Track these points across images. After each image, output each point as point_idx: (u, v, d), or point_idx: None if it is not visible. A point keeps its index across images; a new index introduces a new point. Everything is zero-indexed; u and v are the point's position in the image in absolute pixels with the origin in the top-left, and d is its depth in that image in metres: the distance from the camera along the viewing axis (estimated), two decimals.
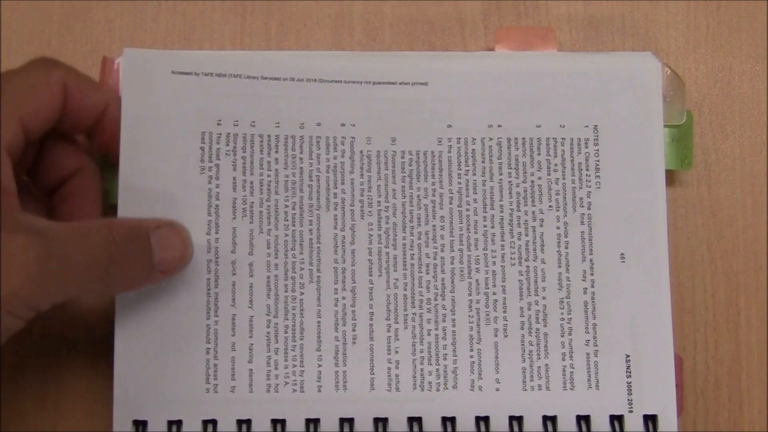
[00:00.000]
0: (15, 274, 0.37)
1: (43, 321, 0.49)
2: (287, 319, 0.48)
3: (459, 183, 0.48)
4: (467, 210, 0.48)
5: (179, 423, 0.47)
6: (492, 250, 0.48)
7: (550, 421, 0.47)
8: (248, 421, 0.47)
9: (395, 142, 0.48)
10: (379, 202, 0.48)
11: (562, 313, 0.48)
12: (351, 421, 0.47)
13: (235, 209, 0.48)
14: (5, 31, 0.52)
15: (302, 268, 0.48)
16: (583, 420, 0.47)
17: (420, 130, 0.49)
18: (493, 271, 0.48)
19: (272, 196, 0.48)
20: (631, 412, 0.47)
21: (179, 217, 0.47)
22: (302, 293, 0.48)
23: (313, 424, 0.47)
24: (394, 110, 0.49)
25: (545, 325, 0.48)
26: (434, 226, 0.48)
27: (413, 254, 0.48)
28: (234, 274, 0.48)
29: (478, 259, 0.48)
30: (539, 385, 0.48)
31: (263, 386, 0.47)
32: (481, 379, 0.48)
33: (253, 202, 0.48)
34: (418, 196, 0.48)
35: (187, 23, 0.52)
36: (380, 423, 0.47)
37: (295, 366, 0.47)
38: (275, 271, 0.48)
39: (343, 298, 0.48)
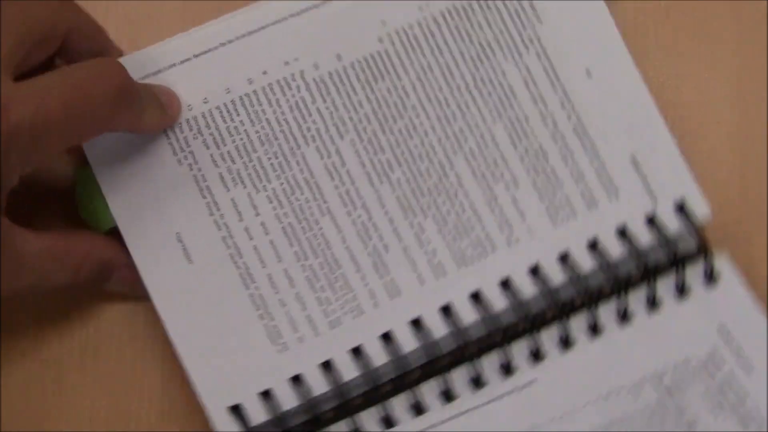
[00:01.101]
0: None
1: (95, 335, 0.49)
2: (318, 257, 0.48)
3: (414, 70, 0.49)
4: (432, 90, 0.49)
5: (269, 392, 0.47)
6: (471, 116, 0.49)
7: (593, 246, 0.49)
8: (329, 362, 0.47)
9: (341, 58, 0.49)
10: (350, 117, 0.49)
11: (558, 146, 0.49)
12: (419, 320, 0.48)
13: (224, 182, 0.48)
14: None
15: (310, 207, 0.48)
16: (622, 233, 0.49)
17: (358, 37, 0.49)
18: (481, 134, 0.49)
19: (252, 155, 0.48)
20: (657, 207, 0.49)
21: (177, 211, 0.48)
22: (320, 228, 0.48)
23: (386, 338, 0.47)
24: (327, 29, 0.49)
25: (547, 162, 0.49)
26: (409, 117, 0.49)
27: (402, 151, 0.49)
28: (251, 239, 0.48)
29: (461, 130, 0.49)
30: (566, 217, 0.49)
31: (326, 325, 0.48)
32: (513, 233, 0.49)
33: (238, 169, 0.48)
34: (383, 96, 0.49)
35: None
36: (446, 311, 0.48)
37: (345, 294, 0.48)
38: (286, 219, 0.48)
39: (359, 216, 0.48)
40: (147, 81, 0.48)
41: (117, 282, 0.48)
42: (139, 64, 0.48)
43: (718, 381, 0.48)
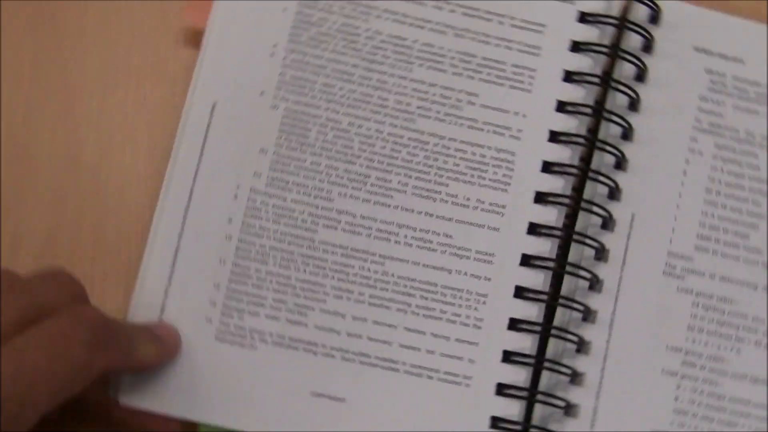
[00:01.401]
0: None
1: None
2: (415, 295, 0.48)
3: (320, 99, 0.49)
4: (347, 100, 0.49)
5: (496, 418, 0.48)
6: (392, 85, 0.49)
7: (569, 78, 0.50)
8: (506, 352, 0.48)
9: (265, 151, 0.48)
10: (320, 179, 0.48)
11: (469, 38, 0.50)
12: (527, 256, 0.49)
13: (297, 322, 0.48)
14: (5, 31, 0.52)
15: (369, 269, 0.48)
16: (575, 47, 0.50)
17: (258, 128, 0.49)
18: (413, 89, 0.49)
19: (292, 281, 0.48)
20: (576, 4, 0.51)
21: (294, 378, 0.48)
22: (392, 275, 0.48)
23: (520, 292, 0.48)
24: (232, 151, 0.49)
25: (476, 56, 0.50)
26: (355, 133, 0.49)
27: (379, 160, 0.49)
28: (361, 337, 0.48)
29: (397, 101, 0.49)
30: (529, 78, 0.50)
31: (474, 332, 0.48)
32: (511, 130, 0.49)
33: (294, 302, 0.48)
34: (323, 140, 0.49)
35: None
36: (533, 230, 0.49)
37: (460, 297, 0.48)
38: (365, 296, 0.48)
39: (405, 237, 0.48)
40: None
41: None
42: (144, 308, 0.48)
43: (731, 89, 0.51)
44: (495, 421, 0.47)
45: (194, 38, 0.51)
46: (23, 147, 0.52)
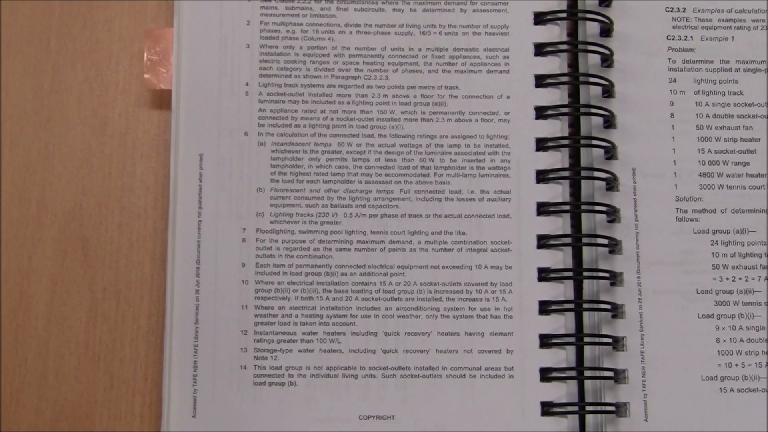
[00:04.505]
0: None
1: None
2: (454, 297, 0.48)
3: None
4: (323, 123, 0.49)
5: (548, 404, 0.47)
6: (368, 90, 0.50)
7: (540, 50, 0.50)
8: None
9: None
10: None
11: (436, 34, 0.50)
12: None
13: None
14: (5, 31, 0.52)
15: (390, 291, 0.48)
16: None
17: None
18: (395, 93, 0.50)
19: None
20: None
21: None
22: (420, 291, 0.48)
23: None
24: None
25: (448, 49, 0.50)
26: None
27: (361, 171, 0.49)
28: (403, 351, 0.48)
29: (403, 112, 0.49)
30: (505, 62, 0.50)
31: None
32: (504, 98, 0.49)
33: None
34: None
35: None
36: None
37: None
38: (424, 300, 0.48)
39: (419, 242, 0.48)
40: None
41: None
42: (177, 368, 0.47)
43: (694, 21, 0.51)
44: (545, 406, 0.47)
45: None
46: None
